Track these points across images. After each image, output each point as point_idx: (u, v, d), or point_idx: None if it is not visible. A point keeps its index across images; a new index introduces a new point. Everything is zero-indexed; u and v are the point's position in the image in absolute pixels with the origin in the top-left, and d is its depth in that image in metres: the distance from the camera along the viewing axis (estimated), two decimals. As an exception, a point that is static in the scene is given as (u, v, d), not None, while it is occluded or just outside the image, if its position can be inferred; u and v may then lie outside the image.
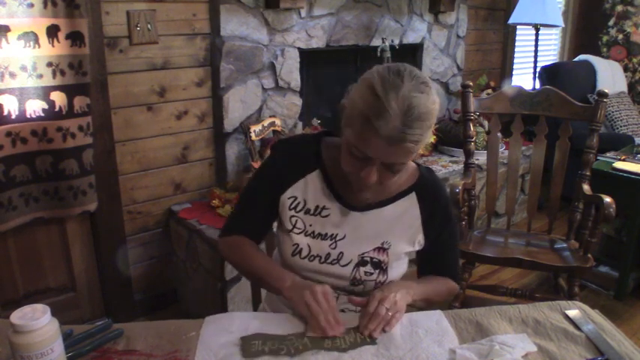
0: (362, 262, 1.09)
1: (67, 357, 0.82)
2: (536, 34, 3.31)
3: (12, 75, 1.66)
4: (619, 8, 4.21)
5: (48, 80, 1.73)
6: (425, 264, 1.20)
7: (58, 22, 1.70)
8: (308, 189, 1.11)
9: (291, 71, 2.45)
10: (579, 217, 2.04)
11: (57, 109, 1.77)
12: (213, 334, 0.92)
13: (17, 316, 0.74)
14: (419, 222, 1.12)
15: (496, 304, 1.09)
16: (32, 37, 1.67)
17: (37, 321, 0.73)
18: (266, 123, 2.29)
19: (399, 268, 1.12)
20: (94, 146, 1.90)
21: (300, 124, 2.58)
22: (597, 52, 4.19)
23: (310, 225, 1.10)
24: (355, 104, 0.94)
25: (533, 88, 3.26)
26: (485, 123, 2.93)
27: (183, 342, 0.91)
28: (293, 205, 1.11)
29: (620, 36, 4.23)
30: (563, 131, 2.06)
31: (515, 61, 3.92)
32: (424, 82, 0.93)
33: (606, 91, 1.95)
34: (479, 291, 2.13)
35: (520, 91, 2.10)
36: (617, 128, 3.48)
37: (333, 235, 1.09)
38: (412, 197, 1.12)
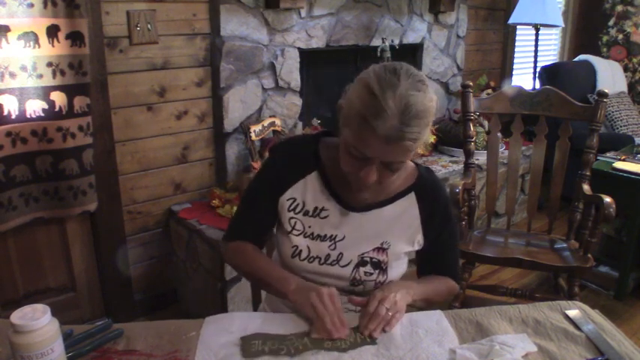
0: (362, 263, 1.09)
1: (67, 357, 0.82)
2: (536, 34, 3.31)
3: (12, 75, 1.66)
4: (619, 8, 4.21)
5: (48, 80, 1.73)
6: (425, 264, 1.20)
7: (58, 22, 1.70)
8: (307, 190, 1.11)
9: (291, 71, 2.45)
10: (579, 217, 2.04)
11: (57, 109, 1.77)
12: (214, 334, 0.92)
13: (17, 316, 0.74)
14: (418, 222, 1.12)
15: (496, 304, 1.09)
16: (32, 37, 1.67)
17: (37, 321, 0.73)
18: (266, 123, 2.29)
19: (398, 268, 1.12)
20: (94, 146, 1.90)
21: (300, 124, 2.58)
22: (597, 52, 4.19)
23: (309, 226, 1.10)
24: (352, 104, 0.94)
25: (533, 88, 3.26)
26: (485, 123, 2.93)
27: (183, 342, 0.90)
28: (292, 207, 1.11)
29: (620, 36, 4.23)
30: (563, 131, 2.06)
31: (515, 61, 3.92)
32: (421, 80, 0.93)
33: (606, 91, 1.95)
34: (479, 291, 2.13)
35: (520, 91, 2.10)
36: (617, 128, 3.48)
37: (332, 236, 1.09)
38: (411, 197, 1.12)
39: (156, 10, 2.00)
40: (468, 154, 2.14)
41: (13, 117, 1.70)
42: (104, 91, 1.93)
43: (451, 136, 3.04)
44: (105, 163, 1.99)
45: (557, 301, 1.08)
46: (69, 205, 1.87)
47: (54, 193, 1.85)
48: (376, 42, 2.75)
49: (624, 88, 3.89)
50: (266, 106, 2.41)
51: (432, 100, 0.94)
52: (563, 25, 3.60)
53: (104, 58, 1.91)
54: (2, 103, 1.66)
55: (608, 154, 2.48)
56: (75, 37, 1.75)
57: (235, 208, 2.10)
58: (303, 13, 2.41)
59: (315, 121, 2.67)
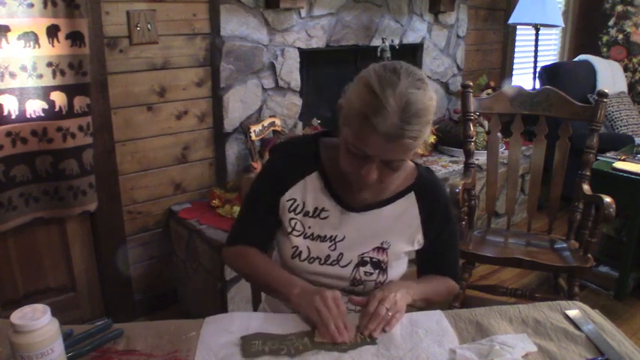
0: (362, 263, 1.09)
1: (67, 357, 0.82)
2: (536, 34, 3.31)
3: (12, 75, 1.66)
4: (619, 8, 4.21)
5: (48, 80, 1.73)
6: (425, 264, 1.20)
7: (58, 22, 1.70)
8: (307, 191, 1.11)
9: (291, 71, 2.45)
10: (579, 217, 2.04)
11: (57, 109, 1.77)
12: (214, 334, 0.92)
13: (17, 316, 0.74)
14: (418, 221, 1.12)
15: (496, 304, 1.09)
16: (32, 37, 1.67)
17: (37, 321, 0.73)
18: (266, 123, 2.29)
19: (398, 267, 1.12)
20: (94, 146, 1.90)
21: (300, 124, 2.58)
22: (597, 52, 4.19)
23: (309, 227, 1.10)
24: (352, 103, 0.94)
25: (533, 88, 3.26)
26: (485, 123, 2.93)
27: (183, 342, 0.90)
28: (292, 208, 1.11)
29: (620, 36, 4.23)
30: (563, 131, 2.06)
31: (515, 61, 3.92)
32: (420, 79, 0.93)
33: (606, 91, 1.95)
34: (479, 291, 2.13)
35: (520, 91, 2.11)
36: (617, 128, 3.48)
37: (332, 236, 1.09)
38: (411, 197, 1.12)
39: (156, 10, 2.00)
40: (468, 154, 2.14)
41: (13, 117, 1.70)
42: (104, 91, 1.93)
43: (451, 136, 3.04)
44: (105, 163, 1.99)
45: (557, 301, 1.08)
46: (69, 205, 1.87)
47: (54, 193, 1.85)
48: (376, 42, 2.75)
49: (624, 88, 3.89)
50: (266, 106, 2.41)
51: (431, 99, 0.94)
52: (563, 25, 3.60)
53: (104, 58, 1.91)
54: (2, 103, 1.66)
55: (608, 154, 2.48)
56: (75, 37, 1.75)
57: (235, 208, 2.11)
58: (303, 13, 2.41)
59: (315, 121, 2.67)
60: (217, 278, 1.98)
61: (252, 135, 2.21)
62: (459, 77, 3.40)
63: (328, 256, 1.09)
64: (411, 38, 2.99)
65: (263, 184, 1.15)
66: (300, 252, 1.09)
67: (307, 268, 1.09)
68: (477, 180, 2.42)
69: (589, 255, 1.88)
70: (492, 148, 2.20)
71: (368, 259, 1.09)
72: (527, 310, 1.04)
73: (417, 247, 1.14)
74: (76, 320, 2.06)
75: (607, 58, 4.12)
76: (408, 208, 1.12)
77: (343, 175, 1.03)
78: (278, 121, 2.36)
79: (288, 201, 1.11)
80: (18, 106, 1.70)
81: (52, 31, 1.70)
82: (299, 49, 2.45)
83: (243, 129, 2.24)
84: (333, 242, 1.09)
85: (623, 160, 2.40)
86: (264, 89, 2.38)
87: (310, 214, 1.10)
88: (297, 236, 1.10)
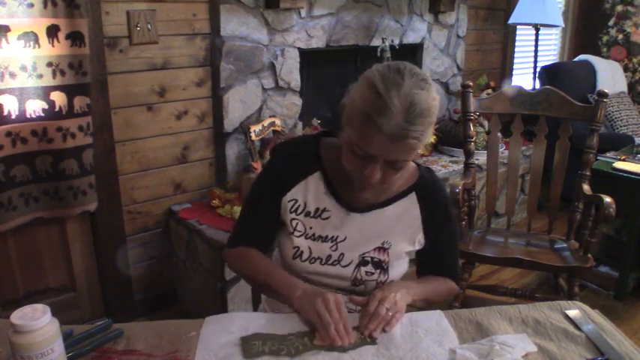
0: (363, 262, 1.09)
1: (67, 357, 0.82)
2: (536, 34, 3.31)
3: (12, 75, 1.66)
4: (619, 8, 4.21)
5: (48, 80, 1.73)
6: (425, 264, 1.20)
7: (58, 22, 1.70)
8: (308, 191, 1.11)
9: (291, 71, 2.45)
10: (579, 217, 2.04)
11: (57, 109, 1.77)
12: (214, 334, 0.92)
13: (17, 316, 0.74)
14: (419, 222, 1.12)
15: (496, 304, 1.09)
16: (32, 37, 1.67)
17: (37, 321, 0.73)
18: (266, 123, 2.29)
19: (399, 267, 1.13)
20: (94, 146, 1.90)
21: (300, 124, 2.58)
22: (597, 52, 4.19)
23: (310, 227, 1.10)
24: (356, 103, 0.94)
25: (533, 88, 3.26)
26: (485, 123, 2.93)
27: (183, 342, 0.90)
28: (293, 208, 1.11)
29: (620, 36, 4.23)
30: (563, 131, 2.06)
31: (515, 61, 3.92)
32: (424, 79, 0.93)
33: (606, 91, 1.95)
34: (479, 291, 2.13)
35: (520, 91, 2.11)
36: (617, 128, 3.48)
37: (333, 237, 1.09)
38: (412, 197, 1.12)
39: (156, 10, 2.00)
40: (468, 154, 2.14)
41: (13, 117, 1.70)
42: (104, 91, 1.93)
43: (451, 136, 3.04)
44: (105, 163, 1.99)
45: (557, 301, 1.08)
46: (69, 205, 1.87)
47: (54, 193, 1.85)
48: (376, 42, 2.75)
49: (624, 88, 3.89)
50: (266, 106, 2.41)
51: (435, 99, 0.94)
52: (563, 25, 3.60)
53: (104, 58, 1.91)
54: (2, 103, 1.66)
55: (608, 154, 2.48)
56: (75, 37, 1.75)
57: (235, 208, 2.11)
58: (303, 13, 2.41)
59: (315, 121, 2.67)
60: (217, 278, 1.98)
61: (252, 135, 2.21)
62: (459, 77, 3.40)
63: (329, 257, 1.09)
64: (411, 38, 2.99)
65: (264, 185, 1.15)
66: (302, 252, 1.09)
67: (308, 269, 1.09)
68: (477, 180, 2.42)
69: (589, 255, 1.88)
70: (492, 148, 2.20)
71: (369, 259, 1.09)
72: (527, 310, 1.04)
73: (417, 247, 1.14)
74: (76, 320, 2.06)
75: (607, 58, 4.12)
76: (409, 209, 1.12)
77: (344, 175, 1.03)
78: (278, 121, 2.36)
79: (289, 201, 1.11)
80: (18, 106, 1.70)
81: (52, 31, 1.70)
82: (299, 49, 2.45)
83: (243, 129, 2.24)
84: (334, 242, 1.09)
85: (623, 160, 2.40)
86: (264, 89, 2.38)
87: (312, 215, 1.10)
88: (298, 237, 1.10)
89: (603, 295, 2.47)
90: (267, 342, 0.90)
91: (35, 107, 1.73)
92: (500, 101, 2.12)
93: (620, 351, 0.90)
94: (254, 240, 1.15)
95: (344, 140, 0.99)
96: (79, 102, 1.81)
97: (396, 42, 2.84)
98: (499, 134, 2.23)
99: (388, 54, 2.65)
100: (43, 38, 1.69)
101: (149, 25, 1.99)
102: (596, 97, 1.97)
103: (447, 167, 2.86)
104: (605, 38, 4.32)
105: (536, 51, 3.37)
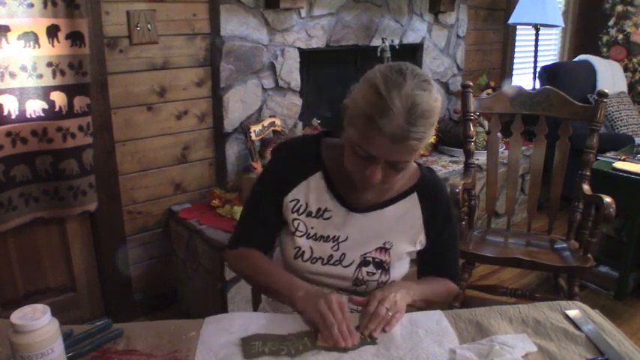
0: (364, 263, 1.09)
1: (67, 357, 0.82)
2: (536, 34, 3.31)
3: (12, 75, 1.66)
4: (619, 8, 4.21)
5: (48, 80, 1.73)
6: (425, 264, 1.20)
7: (58, 22, 1.70)
8: (310, 191, 1.11)
9: (291, 71, 2.45)
10: (579, 217, 2.04)
11: (57, 109, 1.77)
12: (214, 334, 0.92)
13: (17, 316, 0.73)
14: (420, 222, 1.13)
15: (496, 304, 1.09)
16: (32, 37, 1.67)
17: (37, 321, 0.73)
18: (266, 123, 2.29)
19: (401, 267, 1.13)
20: (94, 146, 1.90)
21: (300, 124, 2.58)
22: (597, 52, 4.19)
23: (312, 227, 1.10)
24: (358, 103, 0.94)
25: (533, 88, 3.26)
26: (485, 123, 2.93)
27: (183, 342, 0.90)
28: (295, 208, 1.11)
29: (620, 36, 4.23)
30: (563, 131, 2.06)
31: (515, 61, 3.92)
32: (426, 80, 0.93)
33: (606, 91, 1.95)
34: (479, 291, 2.13)
35: (520, 91, 2.11)
36: (617, 128, 3.49)
37: (335, 237, 1.09)
38: (414, 197, 1.12)
39: (156, 10, 2.00)
40: (468, 154, 2.14)
41: (13, 117, 1.70)
42: (104, 91, 1.93)
43: (451, 136, 3.04)
44: (105, 163, 1.99)
45: (557, 301, 1.08)
46: (69, 205, 1.87)
47: (54, 193, 1.85)
48: (376, 42, 2.75)
49: (624, 88, 3.89)
50: (266, 106, 2.41)
51: (437, 101, 0.94)
52: (563, 25, 3.60)
53: (104, 58, 1.91)
54: (2, 103, 1.66)
55: (608, 154, 2.48)
56: (75, 37, 1.75)
57: (235, 208, 2.11)
58: (303, 13, 2.41)
59: (315, 121, 2.67)
60: (217, 278, 1.98)
61: (252, 135, 2.21)
62: (459, 77, 3.40)
63: (331, 257, 1.09)
64: (411, 38, 2.99)
65: (265, 186, 1.14)
66: (303, 252, 1.09)
67: (310, 269, 1.09)
68: (477, 180, 2.42)
69: (589, 255, 1.88)
70: (492, 148, 2.20)
71: (370, 259, 1.09)
72: (527, 310, 1.04)
73: (419, 247, 1.14)
74: (76, 320, 2.06)
75: (607, 58, 4.12)
76: (410, 209, 1.12)
77: (346, 175, 1.03)
78: (278, 121, 2.36)
79: (291, 201, 1.11)
80: (18, 106, 1.70)
81: (52, 31, 1.70)
82: (299, 49, 2.45)
83: (243, 129, 2.24)
84: (335, 242, 1.09)
85: (623, 160, 2.40)
86: (264, 89, 2.38)
87: (313, 215, 1.10)
88: (300, 236, 1.10)
89: (603, 295, 2.47)
90: (268, 342, 0.90)
91: (35, 107, 1.73)
92: (500, 101, 2.12)
93: (620, 351, 0.90)
94: (255, 241, 1.14)
95: (346, 140, 0.99)
96: (79, 102, 1.81)
97: (396, 42, 2.84)
98: (499, 134, 2.23)
99: (388, 54, 2.66)
100: (43, 38, 1.69)
101: (149, 25, 1.99)
102: (596, 97, 1.97)
103: (447, 167, 2.86)
104: (605, 38, 4.32)
105: (536, 51, 3.37)
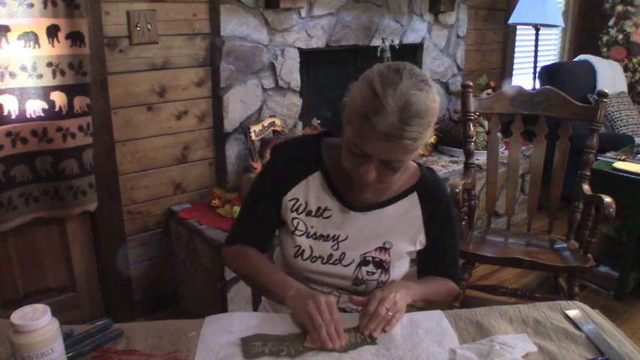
0: (364, 262, 1.09)
1: (67, 357, 0.82)
2: (536, 34, 3.31)
3: (12, 75, 1.66)
4: (619, 8, 4.21)
5: (48, 80, 1.73)
6: (425, 264, 1.20)
7: (58, 22, 1.70)
8: (309, 190, 1.11)
9: (291, 71, 2.45)
10: (579, 217, 2.04)
11: (57, 109, 1.77)
12: (214, 334, 0.92)
13: (17, 316, 0.73)
14: (420, 222, 1.13)
15: (496, 304, 1.09)
16: (32, 37, 1.67)
17: (38, 321, 0.73)
18: (266, 123, 2.29)
19: (400, 267, 1.13)
20: (94, 146, 1.90)
21: (300, 124, 2.58)
22: (597, 52, 4.19)
23: (312, 226, 1.10)
24: (355, 102, 0.94)
25: (533, 88, 3.26)
26: (485, 123, 2.93)
27: (183, 342, 0.90)
28: (295, 207, 1.11)
29: (620, 36, 4.23)
30: (563, 131, 2.06)
31: (515, 61, 3.92)
32: (424, 80, 0.93)
33: (606, 91, 1.95)
34: (479, 291, 2.13)
35: (520, 91, 2.11)
36: (617, 128, 3.49)
37: (335, 236, 1.09)
38: (414, 197, 1.12)
39: (156, 10, 2.00)
40: (468, 154, 2.14)
41: (13, 117, 1.70)
42: (104, 91, 1.93)
43: (451, 136, 3.04)
44: (105, 163, 1.99)
45: (557, 301, 1.08)
46: (69, 205, 1.87)
47: (54, 193, 1.85)
48: (376, 42, 2.75)
49: (624, 88, 3.89)
50: (266, 106, 2.41)
51: (434, 101, 0.94)
52: (563, 25, 3.60)
53: (104, 58, 1.91)
54: (2, 103, 1.66)
55: (608, 154, 2.48)
56: (75, 37, 1.75)
57: (235, 208, 2.11)
58: (303, 13, 2.41)
59: (315, 121, 2.67)
60: (217, 278, 1.98)
61: (252, 135, 2.21)
62: (459, 77, 3.40)
63: (331, 256, 1.09)
64: (411, 38, 2.99)
65: (264, 184, 1.15)
66: (303, 251, 1.09)
67: (310, 267, 1.09)
68: (477, 180, 2.42)
69: (589, 255, 1.88)
70: (492, 148, 2.20)
71: (370, 258, 1.09)
72: (527, 310, 1.04)
73: (419, 247, 1.14)
74: (76, 320, 2.06)
75: (607, 58, 4.12)
76: (410, 209, 1.12)
77: (345, 174, 1.04)
78: (278, 121, 2.36)
79: (290, 201, 1.11)
80: (18, 106, 1.70)
81: (52, 31, 1.70)
82: (299, 49, 2.45)
83: (243, 129, 2.24)
84: (335, 242, 1.09)
85: (623, 160, 2.40)
86: (264, 89, 2.38)
87: (313, 214, 1.10)
88: (299, 236, 1.10)
89: (603, 295, 2.48)
90: (268, 342, 0.90)
91: (35, 107, 1.73)
92: (500, 101, 2.12)
93: (620, 351, 0.90)
94: (252, 239, 1.15)
95: (344, 139, 0.99)
96: (79, 102, 1.81)
97: (396, 42, 2.84)
98: (499, 134, 2.23)
99: (388, 54, 2.65)
100: (43, 38, 1.69)
101: (149, 25, 1.99)
102: (596, 97, 1.97)
103: (447, 167, 2.86)
104: (605, 38, 4.32)
105: (536, 51, 3.37)
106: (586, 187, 1.97)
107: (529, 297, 2.02)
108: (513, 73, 3.94)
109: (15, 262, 1.89)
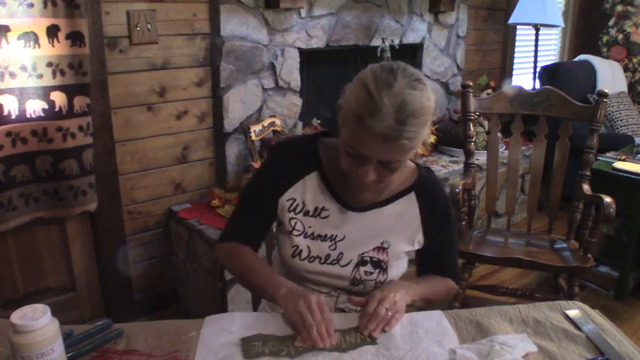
0: (362, 262, 1.09)
1: (67, 357, 0.82)
2: (536, 34, 3.31)
3: (12, 75, 1.66)
4: (619, 8, 4.21)
5: (48, 80, 1.73)
6: (424, 264, 1.20)
7: (58, 22, 1.70)
8: (307, 190, 1.11)
9: (291, 71, 2.45)
10: (579, 217, 2.04)
11: (57, 109, 1.77)
12: (214, 334, 0.92)
13: (17, 316, 0.74)
14: (418, 221, 1.12)
15: (496, 304, 1.09)
16: (32, 37, 1.67)
17: (38, 321, 0.73)
18: (266, 123, 2.29)
19: (399, 267, 1.13)
20: (94, 146, 1.90)
21: (300, 124, 2.58)
22: (597, 52, 4.19)
23: (309, 226, 1.10)
24: (350, 104, 0.94)
25: (533, 88, 3.26)
26: (485, 123, 2.93)
27: (183, 342, 0.90)
28: (292, 207, 1.11)
29: (620, 36, 4.23)
30: (563, 131, 2.06)
31: (515, 61, 3.92)
32: (418, 79, 0.93)
33: (606, 91, 1.95)
34: (479, 291, 2.13)
35: (520, 91, 2.10)
36: (617, 128, 3.48)
37: (332, 236, 1.09)
38: (411, 197, 1.12)
39: (156, 10, 2.00)
40: (468, 154, 2.14)
41: (13, 117, 1.70)
42: (104, 91, 1.93)
43: (451, 136, 3.04)
44: (105, 163, 1.99)
45: (557, 301, 1.08)
46: (69, 205, 1.87)
47: (54, 193, 1.85)
48: (376, 42, 2.75)
49: (624, 88, 3.89)
50: (266, 106, 2.41)
51: (429, 100, 0.94)
52: (563, 25, 3.60)
53: (104, 58, 1.91)
54: (2, 103, 1.66)
55: (608, 154, 2.48)
56: (75, 37, 1.75)
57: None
58: (303, 13, 2.41)
59: (315, 121, 2.67)
60: (217, 278, 1.98)
61: (252, 135, 2.21)
62: (459, 77, 3.40)
63: (328, 256, 1.09)
64: (411, 38, 2.98)
65: (260, 183, 1.15)
66: (301, 251, 1.09)
67: (307, 267, 1.09)
68: (477, 180, 2.42)
69: (589, 255, 1.88)
70: (492, 148, 2.20)
71: (368, 258, 1.09)
72: (527, 310, 1.04)
73: (417, 247, 1.14)
74: (76, 320, 2.06)
75: (607, 58, 4.12)
76: (408, 208, 1.12)
77: (343, 174, 1.03)
78: (278, 121, 2.36)
79: (287, 201, 1.11)
80: (18, 106, 1.70)
81: (52, 31, 1.70)
82: (299, 49, 2.45)
83: (243, 129, 2.24)
84: (333, 242, 1.09)
85: (623, 160, 2.40)
86: (264, 89, 2.38)
87: (310, 214, 1.10)
88: (297, 235, 1.10)
89: (603, 295, 2.47)
90: (268, 343, 0.90)
91: (35, 107, 1.73)
92: (500, 101, 2.12)
93: (620, 351, 0.90)
94: (247, 237, 1.15)
95: (340, 141, 0.99)
96: (79, 102, 1.81)
97: (396, 42, 2.84)
98: (499, 134, 2.23)
99: (388, 54, 2.65)
100: (43, 38, 1.69)
101: (149, 25, 1.99)
102: (596, 97, 1.97)
103: (447, 167, 2.86)
104: (605, 38, 4.32)
105: (536, 51, 3.37)
106: (586, 187, 1.97)
107: (529, 297, 2.02)
108: (513, 73, 3.94)
109: (15, 262, 1.89)
